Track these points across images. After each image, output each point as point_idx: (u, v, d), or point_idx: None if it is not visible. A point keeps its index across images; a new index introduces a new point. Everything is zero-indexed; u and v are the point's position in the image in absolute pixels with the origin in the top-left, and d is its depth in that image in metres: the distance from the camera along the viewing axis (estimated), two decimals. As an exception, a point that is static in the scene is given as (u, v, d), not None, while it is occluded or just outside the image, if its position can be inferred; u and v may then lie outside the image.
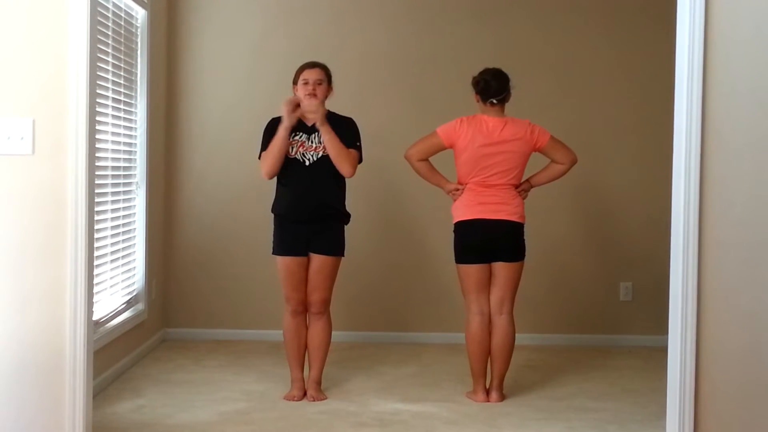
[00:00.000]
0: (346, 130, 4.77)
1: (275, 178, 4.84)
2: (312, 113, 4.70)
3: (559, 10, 6.37)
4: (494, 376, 4.87)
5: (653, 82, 6.18)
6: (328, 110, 4.81)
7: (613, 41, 6.35)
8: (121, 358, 5.34)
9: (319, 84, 4.77)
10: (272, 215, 4.89)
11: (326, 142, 4.68)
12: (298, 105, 4.72)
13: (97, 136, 4.57)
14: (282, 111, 4.69)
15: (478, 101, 4.88)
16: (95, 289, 4.76)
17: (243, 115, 6.31)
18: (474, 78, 4.87)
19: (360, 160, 4.84)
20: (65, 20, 3.54)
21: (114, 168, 5.32)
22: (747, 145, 3.39)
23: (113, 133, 5.29)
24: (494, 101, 4.82)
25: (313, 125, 4.75)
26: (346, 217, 4.89)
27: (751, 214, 3.40)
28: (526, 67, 6.04)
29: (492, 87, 4.81)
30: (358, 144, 4.80)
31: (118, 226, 5.39)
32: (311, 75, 4.77)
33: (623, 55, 6.35)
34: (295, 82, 4.82)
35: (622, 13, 6.35)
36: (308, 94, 4.73)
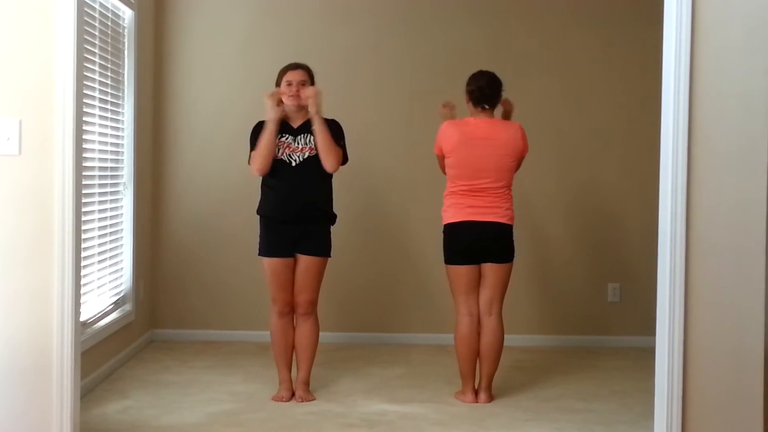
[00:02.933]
0: (330, 129, 4.76)
1: (260, 180, 4.83)
2: (309, 99, 4.67)
3: (551, 12, 6.35)
4: (483, 377, 4.88)
5: (646, 85, 6.15)
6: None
7: (606, 44, 6.35)
8: (109, 359, 5.32)
9: (303, 85, 4.76)
10: (258, 216, 4.89)
11: (317, 133, 4.67)
12: (281, 99, 4.73)
13: (84, 137, 4.55)
14: (265, 104, 4.70)
15: (468, 103, 4.90)
16: (82, 290, 4.76)
17: (230, 116, 6.29)
18: (468, 85, 4.89)
19: (346, 160, 4.84)
20: (52, 20, 3.53)
21: (101, 168, 5.31)
22: (734, 148, 3.41)
23: (100, 134, 5.27)
24: (486, 106, 4.85)
25: (299, 127, 4.76)
26: (332, 218, 4.89)
27: (738, 216, 3.41)
28: (518, 69, 6.05)
29: (486, 94, 4.84)
30: (342, 143, 4.80)
31: (105, 227, 5.37)
32: (294, 76, 4.77)
33: (616, 58, 6.34)
34: (278, 84, 4.81)
35: (614, 16, 6.34)
36: (292, 95, 4.73)
